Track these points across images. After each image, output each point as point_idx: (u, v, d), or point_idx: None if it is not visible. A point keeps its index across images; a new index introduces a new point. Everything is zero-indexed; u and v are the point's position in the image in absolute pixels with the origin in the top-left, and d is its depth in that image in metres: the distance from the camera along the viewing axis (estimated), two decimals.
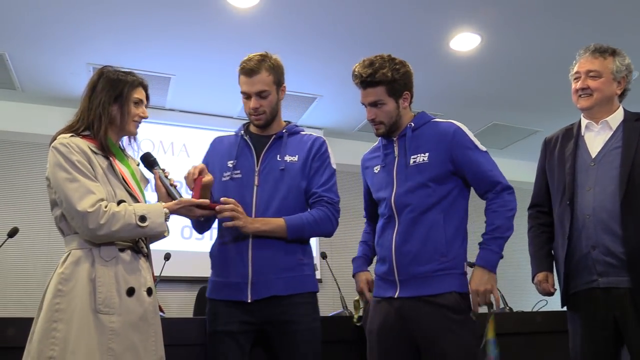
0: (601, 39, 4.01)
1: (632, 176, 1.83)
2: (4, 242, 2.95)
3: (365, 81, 1.90)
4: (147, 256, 1.76)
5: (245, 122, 2.12)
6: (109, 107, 1.74)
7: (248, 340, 1.85)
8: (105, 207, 1.58)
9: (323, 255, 3.52)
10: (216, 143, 2.06)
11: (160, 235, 1.69)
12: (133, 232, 1.61)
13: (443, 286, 1.80)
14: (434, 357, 1.78)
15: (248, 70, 1.91)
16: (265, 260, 1.85)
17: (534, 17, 3.65)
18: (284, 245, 1.87)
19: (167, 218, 1.68)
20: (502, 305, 3.38)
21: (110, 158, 1.74)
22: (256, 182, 1.91)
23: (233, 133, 2.08)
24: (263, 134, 2.01)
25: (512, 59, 4.17)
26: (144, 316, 1.63)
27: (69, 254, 1.62)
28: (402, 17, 3.64)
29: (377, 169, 2.03)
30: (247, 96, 1.94)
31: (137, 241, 1.70)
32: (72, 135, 1.70)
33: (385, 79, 1.89)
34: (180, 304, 4.44)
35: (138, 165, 1.89)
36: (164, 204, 1.71)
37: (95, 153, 1.70)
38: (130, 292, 1.61)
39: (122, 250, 1.64)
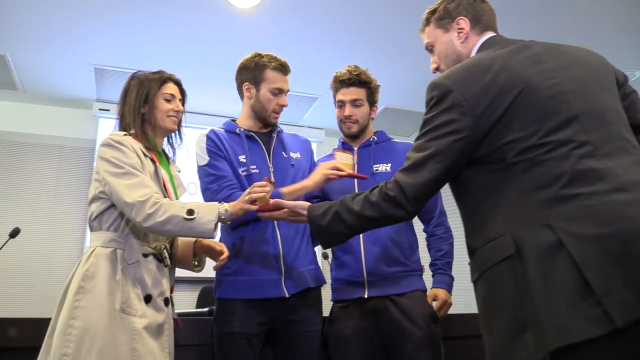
0: (601, 38, 4.03)
1: None
2: (5, 243, 2.96)
3: (353, 79, 2.07)
4: (169, 267, 1.73)
5: (230, 119, 2.09)
6: (140, 107, 1.75)
7: (260, 342, 1.85)
8: (157, 198, 1.56)
9: (324, 256, 3.53)
10: (219, 136, 1.98)
11: (208, 233, 1.58)
12: (179, 224, 1.54)
13: (409, 285, 1.97)
14: (405, 348, 1.87)
15: (285, 67, 2.00)
16: (293, 255, 1.89)
17: (539, 18, 3.65)
18: (304, 240, 1.95)
19: (222, 217, 1.60)
20: None
21: (156, 163, 1.74)
22: (272, 179, 1.91)
23: (221, 129, 2.02)
24: (260, 130, 2.03)
25: None
26: (161, 325, 1.61)
27: (93, 250, 1.59)
28: (403, 17, 3.64)
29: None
30: (279, 92, 1.99)
31: (161, 250, 1.68)
32: (125, 135, 1.70)
33: (369, 82, 2.10)
34: (182, 304, 4.44)
35: (179, 172, 1.89)
36: (227, 204, 1.64)
37: (145, 155, 1.69)
38: (148, 299, 1.59)
39: (145, 255, 1.63)
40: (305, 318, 1.87)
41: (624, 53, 4.08)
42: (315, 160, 2.16)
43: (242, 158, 1.94)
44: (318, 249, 4.92)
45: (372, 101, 2.12)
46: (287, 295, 1.83)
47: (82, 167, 4.78)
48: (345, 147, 2.15)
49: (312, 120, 5.22)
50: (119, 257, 1.58)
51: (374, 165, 2.06)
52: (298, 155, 2.04)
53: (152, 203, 1.54)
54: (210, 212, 1.58)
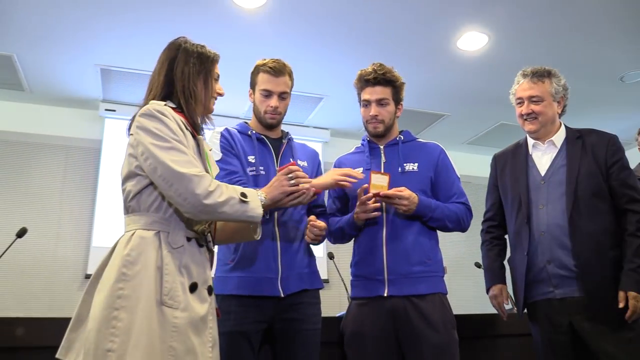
0: (600, 37, 4.02)
1: (577, 193, 1.97)
2: (12, 242, 2.97)
3: (378, 78, 2.03)
4: (211, 252, 1.58)
5: (243, 121, 2.12)
6: (197, 80, 1.61)
7: (258, 340, 1.85)
8: (211, 177, 1.44)
9: (330, 256, 3.53)
10: (232, 135, 2.00)
11: (258, 218, 1.49)
12: (235, 207, 1.43)
13: (430, 287, 1.93)
14: (421, 353, 1.86)
15: (276, 70, 1.98)
16: (292, 256, 1.91)
17: (541, 17, 3.63)
18: (303, 243, 1.96)
19: (262, 203, 1.53)
20: (510, 306, 3.37)
21: (197, 137, 1.59)
22: None
23: (235, 129, 2.05)
24: (271, 136, 2.05)
25: (519, 59, 4.14)
26: (204, 317, 1.43)
27: (134, 233, 1.41)
28: (410, 17, 3.63)
29: (360, 170, 2.05)
30: (268, 94, 1.99)
31: (205, 234, 1.53)
32: (165, 104, 1.52)
33: (395, 81, 2.07)
34: None
35: (210, 150, 1.76)
36: (260, 190, 1.59)
37: (186, 128, 1.53)
38: (193, 287, 1.42)
39: (188, 239, 1.46)
40: (305, 316, 1.87)
41: (623, 53, 4.06)
42: (321, 159, 2.17)
43: (251, 158, 1.96)
44: (319, 250, 4.91)
45: (397, 99, 2.09)
46: (282, 295, 1.84)
47: (88, 167, 4.80)
48: (371, 145, 2.13)
49: (317, 120, 5.21)
50: (162, 241, 1.40)
51: (403, 164, 2.05)
52: (305, 163, 2.06)
53: (211, 180, 1.41)
54: (255, 197, 1.51)
